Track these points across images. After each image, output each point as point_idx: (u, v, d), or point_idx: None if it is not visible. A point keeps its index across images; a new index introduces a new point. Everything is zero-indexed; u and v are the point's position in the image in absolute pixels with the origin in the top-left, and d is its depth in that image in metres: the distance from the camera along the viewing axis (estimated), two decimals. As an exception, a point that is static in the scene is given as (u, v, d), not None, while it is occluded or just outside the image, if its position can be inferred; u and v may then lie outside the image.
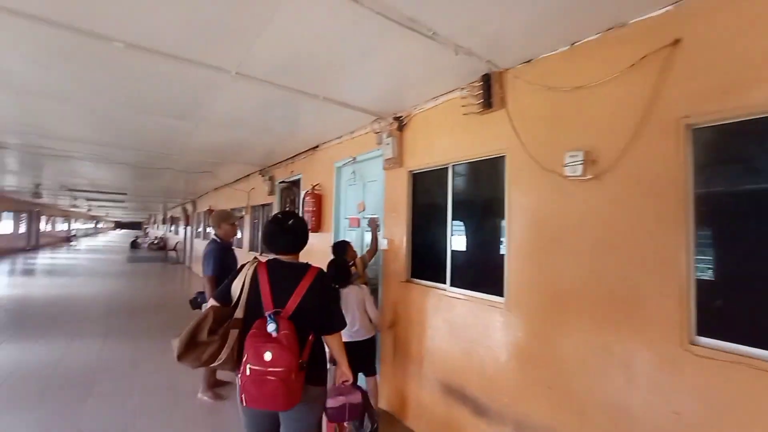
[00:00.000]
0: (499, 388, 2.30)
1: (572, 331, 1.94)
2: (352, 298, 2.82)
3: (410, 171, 3.16)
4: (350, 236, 3.96)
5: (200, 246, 11.74)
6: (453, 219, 2.78)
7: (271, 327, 1.57)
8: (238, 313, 1.69)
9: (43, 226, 22.51)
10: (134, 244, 22.59)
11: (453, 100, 2.75)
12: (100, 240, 33.00)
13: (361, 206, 3.81)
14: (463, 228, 2.82)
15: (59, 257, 16.58)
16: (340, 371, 1.96)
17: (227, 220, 3.68)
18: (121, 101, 3.32)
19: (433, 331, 2.83)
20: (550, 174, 2.06)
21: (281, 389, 1.52)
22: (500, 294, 2.36)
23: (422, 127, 3.06)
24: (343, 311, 2.75)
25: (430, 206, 3.11)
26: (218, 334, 1.63)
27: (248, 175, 7.34)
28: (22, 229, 18.87)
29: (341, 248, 3.20)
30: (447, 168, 2.82)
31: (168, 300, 7.67)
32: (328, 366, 1.98)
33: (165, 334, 5.13)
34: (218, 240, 3.63)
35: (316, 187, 4.55)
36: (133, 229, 44.55)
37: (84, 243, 27.26)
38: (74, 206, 18.72)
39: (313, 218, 4.46)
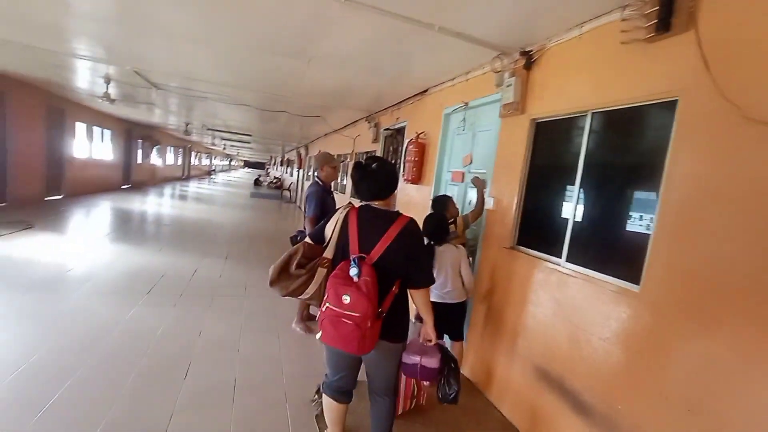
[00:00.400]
0: (613, 391, 1.88)
1: (737, 343, 1.41)
2: (447, 258, 2.59)
3: (533, 119, 2.64)
4: (452, 191, 3.65)
5: (309, 188, 12.69)
6: (582, 182, 2.26)
7: (353, 271, 1.56)
8: (328, 253, 1.74)
9: (193, 160, 27.02)
10: (257, 182, 25.68)
11: (604, 27, 2.12)
12: (232, 175, 38.53)
13: (468, 159, 3.42)
14: (592, 194, 2.28)
15: (202, 187, 19.83)
16: (424, 329, 1.88)
17: (330, 162, 3.69)
18: (243, 41, 3.42)
19: (536, 308, 2.46)
20: (760, 128, 1.42)
21: (355, 333, 1.53)
22: (634, 281, 1.85)
23: (557, 63, 2.48)
24: (436, 270, 2.58)
25: (552, 164, 2.59)
26: (305, 268, 1.70)
27: (355, 122, 7.38)
28: (180, 161, 22.96)
29: (442, 203, 2.94)
30: (584, 116, 2.25)
31: (278, 234, 8.54)
32: (413, 321, 1.90)
33: (272, 264, 5.70)
34: (320, 182, 3.68)
35: (420, 136, 4.27)
36: (257, 168, 50.64)
37: (220, 177, 32.11)
38: (213, 144, 21.82)
39: (414, 168, 4.23)
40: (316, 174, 3.75)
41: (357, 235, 1.67)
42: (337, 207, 2.00)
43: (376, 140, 6.06)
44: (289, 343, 3.32)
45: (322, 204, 3.46)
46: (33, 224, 6.35)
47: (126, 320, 3.32)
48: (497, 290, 2.85)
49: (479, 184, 3.05)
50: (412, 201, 4.48)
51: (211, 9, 2.82)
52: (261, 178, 27.32)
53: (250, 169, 54.00)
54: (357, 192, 1.81)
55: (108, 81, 5.75)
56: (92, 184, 11.35)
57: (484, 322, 2.97)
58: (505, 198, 2.83)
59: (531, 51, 2.64)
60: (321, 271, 1.70)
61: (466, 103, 3.43)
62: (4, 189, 7.77)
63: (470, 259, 3.20)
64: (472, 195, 3.29)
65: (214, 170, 35.14)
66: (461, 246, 2.69)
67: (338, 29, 2.89)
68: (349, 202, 1.82)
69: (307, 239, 1.86)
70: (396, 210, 1.80)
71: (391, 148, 5.69)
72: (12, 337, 2.82)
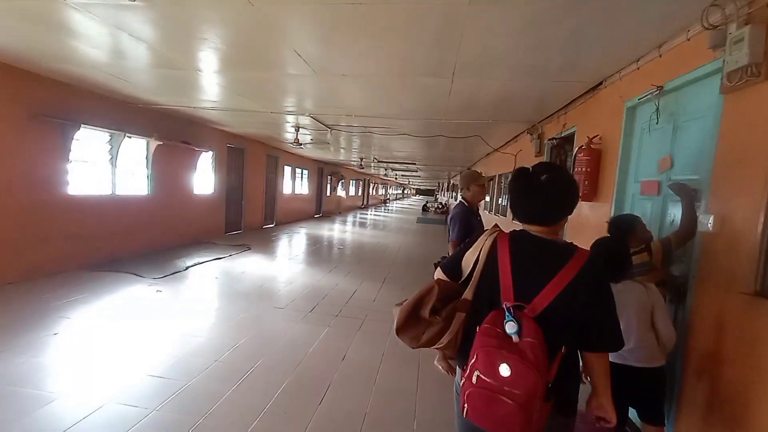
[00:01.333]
0: None
1: None
2: (630, 301, 1.80)
3: (791, 85, 1.62)
4: (642, 209, 2.68)
5: (471, 212, 12.30)
6: None
7: (511, 327, 1.10)
8: (467, 294, 1.28)
9: (371, 190, 30.61)
10: (425, 208, 26.83)
11: None
12: (405, 203, 41.61)
13: (667, 162, 2.44)
14: None
15: (377, 214, 22.02)
16: (596, 401, 1.26)
17: (476, 180, 3.39)
18: (385, 68, 3.50)
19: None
20: None
21: (517, 417, 1.06)
22: None
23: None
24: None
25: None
26: (442, 315, 1.28)
27: (516, 137, 6.70)
28: (360, 192, 26.40)
29: (623, 225, 2.13)
30: None
31: (437, 257, 8.44)
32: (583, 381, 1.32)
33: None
34: (465, 203, 3.37)
35: (593, 140, 3.39)
36: (428, 195, 53.38)
37: (394, 204, 35.11)
38: (386, 175, 24.14)
39: (587, 182, 3.35)
40: (461, 194, 3.48)
41: (511, 274, 1.20)
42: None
43: (539, 153, 5.27)
44: (427, 380, 3.00)
45: (467, 226, 3.19)
46: (251, 247, 8.18)
47: (288, 334, 3.69)
48: (730, 358, 1.81)
49: (684, 191, 2.10)
50: (585, 224, 3.56)
51: (352, 40, 2.95)
52: (428, 204, 28.44)
53: (421, 196, 57.35)
54: (514, 211, 1.33)
55: (297, 129, 6.99)
56: (294, 214, 14.08)
57: (707, 404, 1.93)
58: (738, 215, 1.81)
59: (779, -21, 1.67)
60: (459, 316, 1.27)
61: (660, 87, 2.48)
62: (241, 220, 10.44)
63: (673, 306, 2.21)
64: (676, 212, 2.31)
65: (388, 199, 38.83)
66: (653, 285, 1.84)
67: (473, 28, 2.55)
68: (495, 225, 1.38)
69: (438, 272, 1.41)
70: (567, 241, 1.28)
71: (557, 161, 4.82)
72: (213, 333, 3.51)
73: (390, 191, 43.32)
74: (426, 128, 6.57)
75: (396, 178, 30.28)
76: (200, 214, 8.43)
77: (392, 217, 20.67)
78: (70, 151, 5.08)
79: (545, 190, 1.22)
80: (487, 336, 1.12)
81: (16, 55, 3.96)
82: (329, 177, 18.17)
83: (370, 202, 29.57)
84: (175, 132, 7.11)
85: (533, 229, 1.25)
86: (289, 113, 5.89)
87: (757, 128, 1.76)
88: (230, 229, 9.83)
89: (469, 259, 1.30)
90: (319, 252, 8.56)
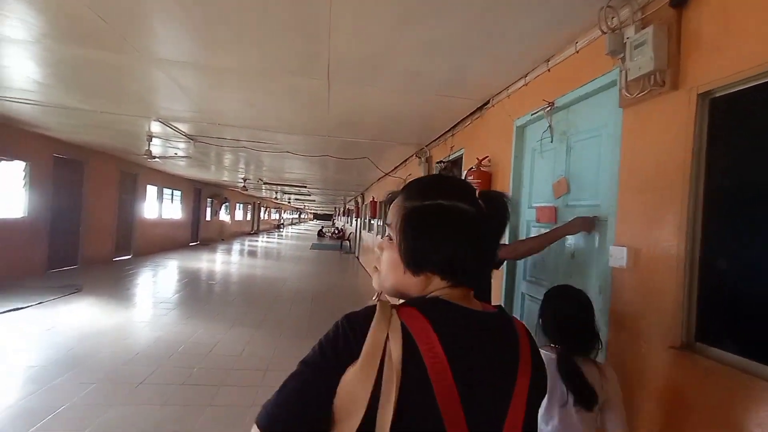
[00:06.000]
0: None
1: None
2: (609, 388, 1.30)
3: (704, 93, 1.36)
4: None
5: (367, 237, 11.90)
6: None
7: None
8: None
9: (263, 215, 28.43)
10: (320, 233, 25.88)
11: None
12: (301, 227, 39.86)
13: (562, 186, 2.17)
14: None
15: (268, 241, 20.24)
16: None
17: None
18: (252, 64, 2.72)
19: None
20: None
21: None
22: None
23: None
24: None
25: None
26: None
27: (405, 161, 6.47)
28: (249, 217, 24.15)
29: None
30: None
31: (329, 293, 7.65)
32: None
33: (310, 330, 4.70)
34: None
35: (483, 162, 3.11)
36: (325, 220, 52.41)
37: (288, 230, 33.25)
38: (278, 199, 22.66)
39: (477, 208, 3.04)
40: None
41: (457, 394, 0.52)
42: (357, 313, 0.59)
43: (429, 178, 5.01)
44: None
45: None
46: (82, 288, 6.20)
47: (94, 425, 2.44)
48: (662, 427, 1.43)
49: (584, 224, 1.81)
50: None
51: (205, 28, 2.13)
52: (324, 230, 27.58)
53: (319, 221, 56.06)
54: (425, 258, 0.63)
55: (150, 138, 5.60)
56: (161, 243, 11.76)
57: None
58: (655, 246, 1.50)
59: (680, -25, 1.45)
60: None
61: (551, 103, 2.25)
62: (77, 252, 8.06)
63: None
64: (578, 241, 2.01)
65: (282, 224, 36.72)
66: (611, 368, 1.37)
67: (340, 15, 2.00)
68: (381, 303, 0.58)
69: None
70: (497, 306, 0.68)
71: (447, 186, 4.58)
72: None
73: (284, 216, 41.15)
74: (312, 147, 5.89)
75: (290, 202, 28.78)
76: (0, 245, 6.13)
77: (285, 244, 19.19)
78: None
79: (491, 225, 0.65)
80: None
81: None
82: (209, 199, 16.02)
83: (261, 228, 27.29)
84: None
85: (455, 295, 0.62)
86: (131, 116, 4.58)
87: (663, 145, 1.50)
88: (57, 265, 7.47)
89: (352, 397, 0.51)
90: (182, 290, 6.96)
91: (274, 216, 34.70)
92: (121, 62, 2.97)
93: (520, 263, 2.62)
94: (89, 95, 3.99)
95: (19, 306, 4.94)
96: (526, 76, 2.57)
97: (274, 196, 20.25)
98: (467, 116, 3.62)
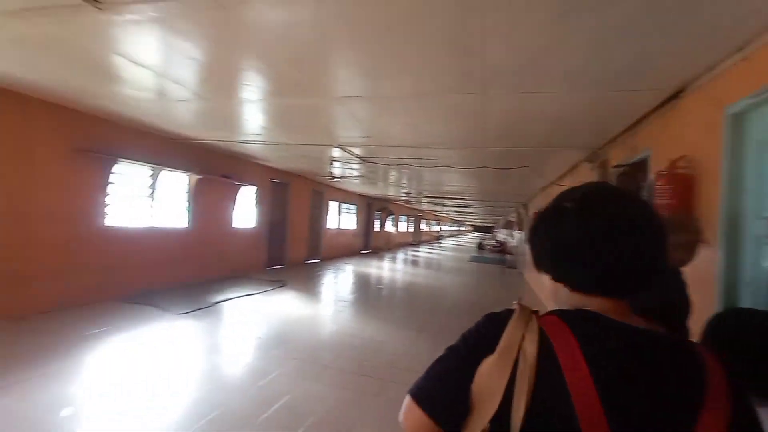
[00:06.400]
0: None
1: None
2: None
3: None
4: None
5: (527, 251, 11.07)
6: None
7: None
8: None
9: (424, 227, 29.92)
10: (480, 246, 25.39)
11: None
12: (460, 240, 40.05)
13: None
14: None
15: (428, 252, 21.17)
16: None
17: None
18: (409, 88, 3.05)
19: None
20: None
21: None
22: None
23: None
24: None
25: None
26: None
27: (574, 167, 5.80)
28: (411, 228, 25.86)
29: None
30: None
31: (488, 305, 7.45)
32: None
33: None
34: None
35: (677, 164, 2.54)
36: (486, 232, 51.15)
37: (447, 241, 33.90)
38: (438, 212, 23.43)
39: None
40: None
41: (604, 417, 0.49)
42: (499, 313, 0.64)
43: (604, 185, 4.36)
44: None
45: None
46: (286, 283, 7.90)
47: (294, 393, 3.11)
48: None
49: None
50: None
51: (372, 65, 2.55)
52: (484, 242, 26.94)
53: (478, 234, 55.19)
54: (575, 271, 0.62)
55: (331, 162, 6.76)
56: (340, 250, 13.84)
57: None
58: None
59: None
60: None
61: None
62: (284, 255, 10.35)
63: None
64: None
65: (441, 236, 37.72)
66: None
67: (492, 22, 2.00)
68: (521, 307, 0.62)
69: (411, 407, 0.64)
70: (681, 337, 0.61)
71: (628, 193, 3.89)
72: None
73: (444, 228, 42.20)
74: (469, 159, 5.96)
75: (449, 215, 29.38)
76: (240, 248, 8.41)
77: (445, 255, 19.66)
78: (108, 183, 5.24)
79: (654, 226, 0.60)
80: None
81: (58, 94, 4.15)
82: (377, 212, 17.93)
83: (422, 239, 28.78)
84: (215, 166, 7.24)
85: (604, 307, 0.59)
86: (319, 144, 5.65)
87: None
88: (273, 263, 9.74)
89: (488, 384, 0.56)
90: (356, 291, 8.01)
91: (435, 228, 36.02)
92: (314, 104, 3.75)
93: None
94: (293, 132, 5.14)
95: (252, 292, 6.68)
96: (743, 49, 2.00)
97: (433, 209, 21.10)
98: (653, 110, 3.03)
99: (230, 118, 4.58)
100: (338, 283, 8.94)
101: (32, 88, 4.01)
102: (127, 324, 4.52)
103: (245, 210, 8.62)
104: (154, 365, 3.46)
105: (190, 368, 3.49)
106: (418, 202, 16.57)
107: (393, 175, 9.15)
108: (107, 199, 5.31)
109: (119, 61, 2.95)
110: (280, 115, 4.31)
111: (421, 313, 6.31)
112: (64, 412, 2.59)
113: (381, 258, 15.17)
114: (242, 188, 8.12)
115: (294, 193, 10.54)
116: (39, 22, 2.41)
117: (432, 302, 7.39)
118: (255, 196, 8.86)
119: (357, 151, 5.98)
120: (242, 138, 5.71)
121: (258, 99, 3.72)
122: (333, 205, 13.30)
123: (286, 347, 4.18)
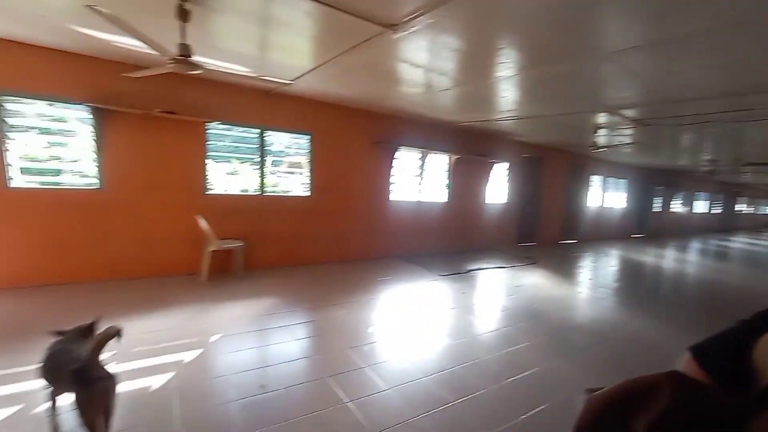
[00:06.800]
0: None
1: None
2: None
3: None
4: None
5: None
6: None
7: None
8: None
9: (743, 207, 21.41)
10: None
11: None
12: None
13: None
14: None
15: (751, 243, 15.05)
16: None
17: None
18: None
19: None
20: None
21: None
22: None
23: None
24: None
25: None
26: None
27: None
28: (719, 209, 19.04)
29: None
30: None
31: None
32: None
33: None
34: None
35: None
36: None
37: (790, 230, 22.78)
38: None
39: None
40: None
41: None
42: None
43: None
44: None
45: None
46: (537, 261, 7.71)
47: (541, 367, 3.15)
48: None
49: None
50: None
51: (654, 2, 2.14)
52: None
53: None
54: None
55: (595, 130, 5.90)
56: (602, 232, 12.01)
57: None
58: None
59: None
60: None
61: None
62: (535, 232, 10.08)
63: None
64: None
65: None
66: None
67: None
68: None
69: (690, 362, 0.71)
70: None
71: None
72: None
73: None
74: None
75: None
76: (492, 223, 8.82)
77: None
78: (392, 167, 6.71)
79: None
80: None
81: (363, 101, 5.64)
82: (659, 188, 14.22)
83: (739, 224, 20.66)
84: (471, 146, 7.84)
85: None
86: (579, 112, 5.06)
87: None
88: (523, 240, 9.69)
89: None
90: (623, 279, 6.86)
91: (764, 209, 24.98)
92: (573, 68, 3.41)
93: None
94: (548, 103, 4.85)
95: (502, 266, 6.98)
96: None
97: (764, 181, 14.65)
98: None
99: (486, 98, 4.83)
100: (599, 267, 7.89)
101: (347, 100, 5.63)
102: (404, 276, 5.77)
103: (498, 186, 8.91)
104: (422, 311, 4.30)
105: (448, 320, 4.11)
106: (735, 172, 11.94)
107: (687, 138, 7.02)
108: (392, 179, 6.82)
109: (402, 67, 3.72)
110: (535, 87, 4.18)
111: (722, 322, 4.72)
112: (369, 329, 3.68)
113: (663, 245, 12.08)
114: (495, 165, 8.41)
115: (547, 168, 9.94)
116: (358, 52, 3.37)
117: (744, 308, 5.34)
118: (507, 172, 8.98)
119: (630, 113, 4.98)
120: (496, 116, 5.89)
121: (512, 74, 3.75)
122: (595, 180, 11.62)
123: (536, 322, 4.18)
